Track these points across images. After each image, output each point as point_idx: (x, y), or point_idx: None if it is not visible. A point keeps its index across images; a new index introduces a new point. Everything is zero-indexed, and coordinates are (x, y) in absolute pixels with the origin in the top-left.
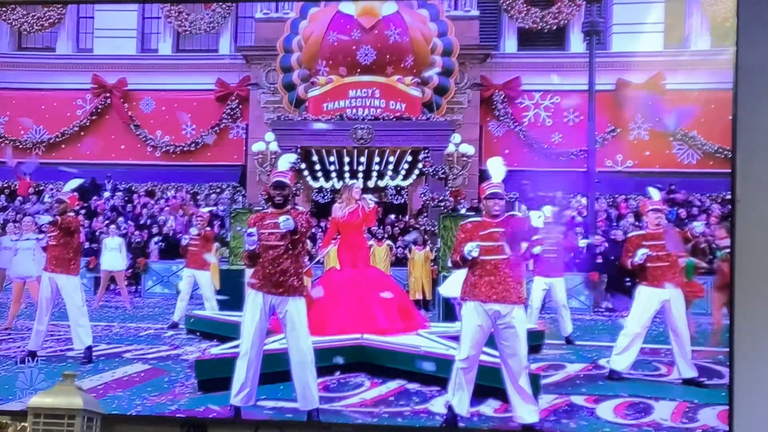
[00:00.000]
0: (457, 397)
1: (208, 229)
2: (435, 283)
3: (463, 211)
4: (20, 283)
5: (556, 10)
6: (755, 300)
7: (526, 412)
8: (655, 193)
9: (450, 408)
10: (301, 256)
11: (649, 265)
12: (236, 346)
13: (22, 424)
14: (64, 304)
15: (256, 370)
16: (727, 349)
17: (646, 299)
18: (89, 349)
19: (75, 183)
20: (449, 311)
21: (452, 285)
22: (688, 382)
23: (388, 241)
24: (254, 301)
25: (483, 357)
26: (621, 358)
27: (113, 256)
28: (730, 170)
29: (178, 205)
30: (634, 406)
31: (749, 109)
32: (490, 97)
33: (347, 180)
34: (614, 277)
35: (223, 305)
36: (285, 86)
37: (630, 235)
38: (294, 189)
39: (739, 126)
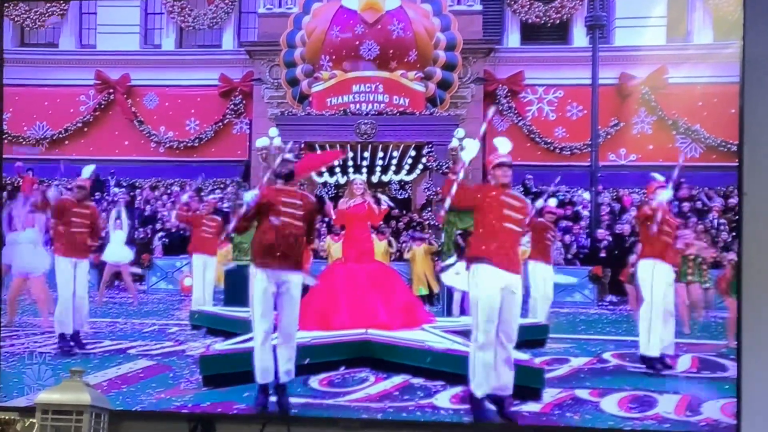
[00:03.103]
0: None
1: (215, 216)
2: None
3: None
4: (21, 279)
5: (559, 5)
6: (763, 293)
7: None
8: (659, 176)
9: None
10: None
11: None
12: (242, 341)
13: (30, 420)
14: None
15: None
16: (735, 342)
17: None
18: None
19: (90, 169)
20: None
21: (455, 274)
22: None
23: (390, 238)
24: (262, 283)
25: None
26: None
27: (119, 249)
28: (736, 163)
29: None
30: (638, 400)
31: (756, 102)
32: (493, 92)
33: (351, 175)
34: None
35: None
36: (288, 81)
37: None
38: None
39: (746, 119)
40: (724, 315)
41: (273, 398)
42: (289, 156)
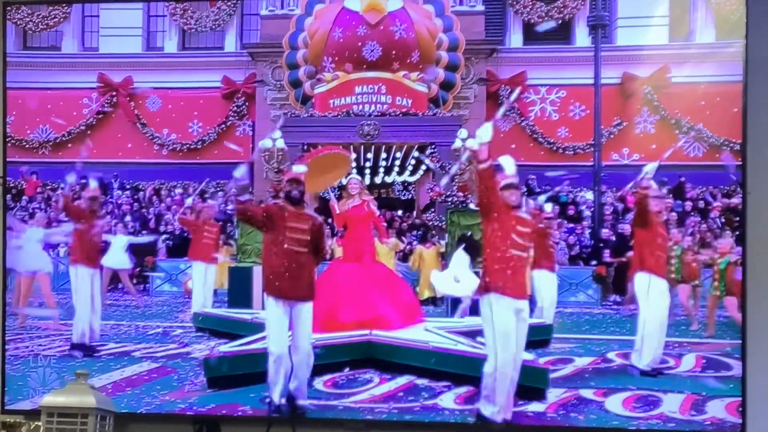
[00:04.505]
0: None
1: (214, 222)
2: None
3: (471, 206)
4: (29, 277)
5: (561, 5)
6: (766, 291)
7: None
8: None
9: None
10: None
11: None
12: (245, 344)
13: (36, 423)
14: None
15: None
16: (740, 342)
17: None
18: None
19: (96, 181)
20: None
21: (444, 280)
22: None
23: (394, 238)
24: (276, 310)
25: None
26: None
27: (118, 255)
28: (739, 162)
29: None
30: (643, 399)
31: (759, 101)
32: (496, 92)
33: (354, 176)
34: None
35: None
36: (291, 83)
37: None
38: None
39: (749, 118)
40: (726, 314)
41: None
42: (299, 176)
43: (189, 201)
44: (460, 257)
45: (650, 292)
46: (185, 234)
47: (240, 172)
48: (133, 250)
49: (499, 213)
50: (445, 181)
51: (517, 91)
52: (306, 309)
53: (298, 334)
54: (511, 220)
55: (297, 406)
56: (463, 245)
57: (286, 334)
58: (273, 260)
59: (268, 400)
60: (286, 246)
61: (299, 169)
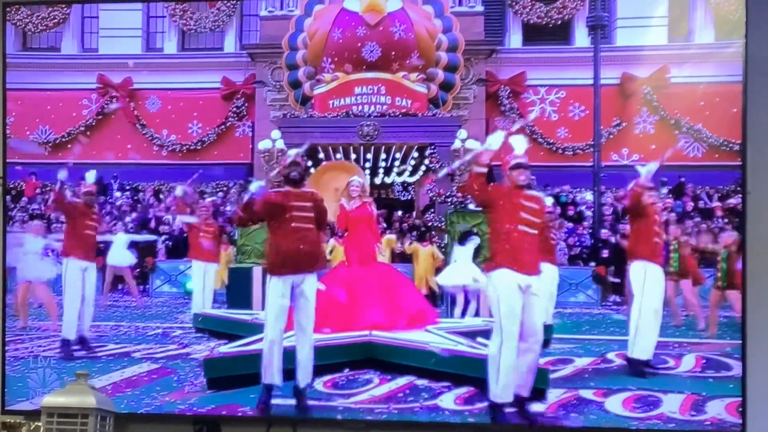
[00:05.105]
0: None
1: (212, 222)
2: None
3: (471, 207)
4: (24, 284)
5: (561, 5)
6: (766, 291)
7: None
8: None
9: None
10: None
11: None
12: (246, 344)
13: (36, 423)
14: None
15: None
16: (740, 342)
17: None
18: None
19: (93, 174)
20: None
21: (451, 274)
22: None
23: (389, 236)
24: (278, 290)
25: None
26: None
27: (121, 253)
28: (739, 162)
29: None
30: (643, 399)
31: (759, 101)
32: (495, 93)
33: (355, 179)
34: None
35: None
36: (291, 84)
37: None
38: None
39: (749, 118)
40: (730, 314)
41: (292, 401)
42: (297, 158)
43: (179, 191)
44: (464, 252)
45: (646, 281)
46: (184, 234)
47: (256, 186)
48: (135, 247)
49: (505, 196)
50: (443, 172)
51: (537, 110)
52: (309, 286)
53: (306, 305)
54: (519, 198)
55: (304, 405)
56: (466, 240)
57: (284, 318)
58: (281, 240)
59: (261, 386)
60: (293, 224)
61: (296, 150)
